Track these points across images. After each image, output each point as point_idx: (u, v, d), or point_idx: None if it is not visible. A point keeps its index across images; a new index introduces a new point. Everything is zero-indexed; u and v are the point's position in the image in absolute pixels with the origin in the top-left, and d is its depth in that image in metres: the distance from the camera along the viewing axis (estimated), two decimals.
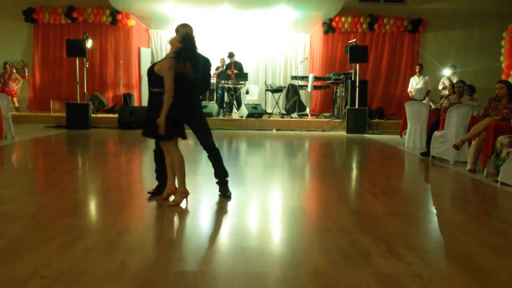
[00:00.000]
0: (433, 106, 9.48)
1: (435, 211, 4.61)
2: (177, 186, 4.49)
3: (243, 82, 13.30)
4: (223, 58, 14.06)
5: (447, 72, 12.17)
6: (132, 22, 14.55)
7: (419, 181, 6.63)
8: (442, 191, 5.74)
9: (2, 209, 4.23)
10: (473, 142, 6.60)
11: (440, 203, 5.09)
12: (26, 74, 14.59)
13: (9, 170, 6.71)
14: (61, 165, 6.85)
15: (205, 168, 6.87)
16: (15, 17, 14.34)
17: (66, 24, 14.57)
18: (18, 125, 11.12)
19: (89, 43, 12.69)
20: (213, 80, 13.72)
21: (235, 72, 13.18)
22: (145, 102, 14.32)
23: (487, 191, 5.62)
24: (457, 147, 6.78)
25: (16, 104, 13.94)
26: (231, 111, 13.68)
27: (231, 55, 13.71)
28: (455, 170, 6.79)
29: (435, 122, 8.12)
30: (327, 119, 13.07)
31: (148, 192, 4.72)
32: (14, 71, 14.07)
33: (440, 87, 12.24)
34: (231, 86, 13.29)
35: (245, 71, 13.97)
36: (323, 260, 3.11)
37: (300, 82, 13.79)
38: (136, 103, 14.58)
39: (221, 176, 4.81)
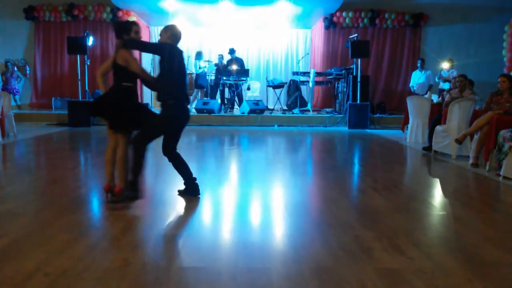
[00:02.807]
0: (434, 101, 9.48)
1: (437, 206, 4.60)
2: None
3: (244, 79, 13.29)
4: (221, 54, 14.03)
5: (445, 65, 12.25)
6: (132, 19, 14.53)
7: (421, 175, 6.62)
8: (444, 186, 5.72)
9: (4, 207, 4.24)
10: (475, 136, 6.59)
11: (442, 197, 5.08)
12: (28, 72, 14.60)
13: (12, 168, 6.72)
14: (63, 163, 6.86)
15: (205, 164, 6.89)
16: (16, 15, 14.34)
17: (67, 22, 14.57)
18: (20, 123, 11.12)
19: (90, 41, 12.67)
20: (213, 77, 13.74)
21: (236, 68, 13.17)
22: (146, 99, 14.35)
23: (489, 185, 5.61)
24: (459, 141, 6.77)
25: (18, 102, 13.96)
26: (232, 108, 13.67)
27: (231, 52, 13.69)
28: (457, 164, 6.78)
29: (437, 116, 8.11)
30: (328, 115, 13.05)
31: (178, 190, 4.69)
32: (16, 69, 14.08)
33: (437, 80, 12.32)
34: (232, 82, 13.28)
35: (246, 67, 13.94)
36: (325, 255, 3.11)
37: (302, 78, 13.76)
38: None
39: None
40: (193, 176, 4.55)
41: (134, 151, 4.24)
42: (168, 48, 4.34)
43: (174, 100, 4.34)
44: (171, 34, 4.43)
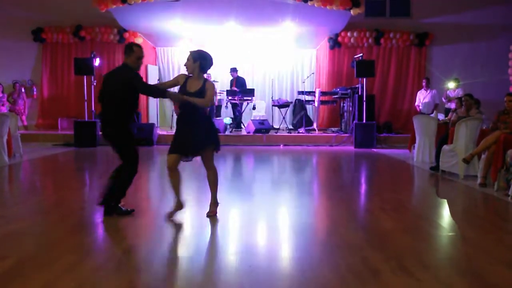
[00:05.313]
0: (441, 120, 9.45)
1: (446, 226, 4.55)
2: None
3: (249, 98, 13.34)
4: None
5: (451, 85, 12.26)
6: (139, 40, 14.69)
7: (429, 195, 6.56)
8: (452, 206, 5.66)
9: (10, 227, 4.23)
10: (483, 156, 6.53)
11: (451, 218, 5.02)
12: (35, 92, 14.73)
13: (17, 188, 6.73)
14: (69, 184, 6.86)
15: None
16: (24, 36, 14.53)
17: (74, 43, 14.73)
18: (26, 143, 11.18)
19: (97, 62, 12.80)
20: (220, 96, 13.81)
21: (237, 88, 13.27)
22: (152, 119, 14.43)
23: (498, 205, 5.54)
24: (466, 161, 6.72)
25: (25, 123, 14.05)
26: (238, 127, 13.69)
27: (233, 70, 13.77)
28: (465, 184, 6.71)
29: (444, 136, 8.07)
30: (334, 134, 13.03)
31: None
32: (23, 90, 14.21)
33: (444, 100, 12.31)
34: (237, 102, 13.33)
35: (251, 86, 14.00)
36: (333, 278, 3.06)
37: (307, 97, 13.80)
38: (143, 120, 14.63)
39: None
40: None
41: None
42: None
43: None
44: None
